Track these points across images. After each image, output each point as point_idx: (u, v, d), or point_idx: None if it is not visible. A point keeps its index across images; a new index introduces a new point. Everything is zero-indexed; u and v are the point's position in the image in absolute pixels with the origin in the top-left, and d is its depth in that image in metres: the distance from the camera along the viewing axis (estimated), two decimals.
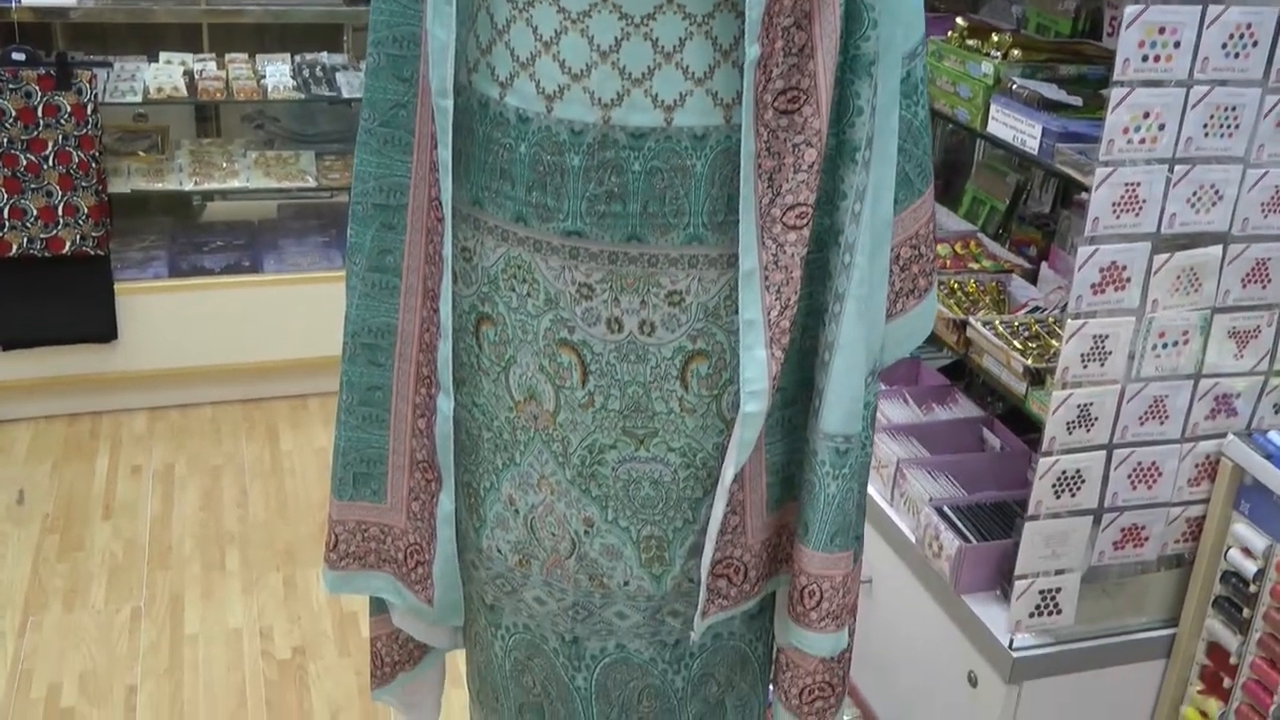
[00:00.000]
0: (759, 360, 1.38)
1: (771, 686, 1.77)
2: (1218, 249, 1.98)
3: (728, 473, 1.43)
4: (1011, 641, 2.17)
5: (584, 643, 1.59)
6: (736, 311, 1.40)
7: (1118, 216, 1.91)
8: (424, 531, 1.61)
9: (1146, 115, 1.85)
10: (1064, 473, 2.05)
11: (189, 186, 4.21)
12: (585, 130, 1.35)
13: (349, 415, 1.61)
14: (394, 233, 1.51)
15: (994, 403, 2.79)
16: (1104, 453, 2.07)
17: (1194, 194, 1.93)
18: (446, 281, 1.46)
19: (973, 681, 2.27)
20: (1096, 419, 2.04)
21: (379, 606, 1.79)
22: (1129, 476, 2.10)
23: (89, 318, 4.00)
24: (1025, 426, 2.61)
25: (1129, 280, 1.96)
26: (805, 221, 1.35)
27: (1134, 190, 1.90)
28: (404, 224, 1.50)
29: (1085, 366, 1.99)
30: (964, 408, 2.75)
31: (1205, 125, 1.89)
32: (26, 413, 4.18)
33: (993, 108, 2.30)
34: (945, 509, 2.36)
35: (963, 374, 2.89)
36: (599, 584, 1.54)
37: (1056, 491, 2.06)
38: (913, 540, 2.42)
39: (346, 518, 1.66)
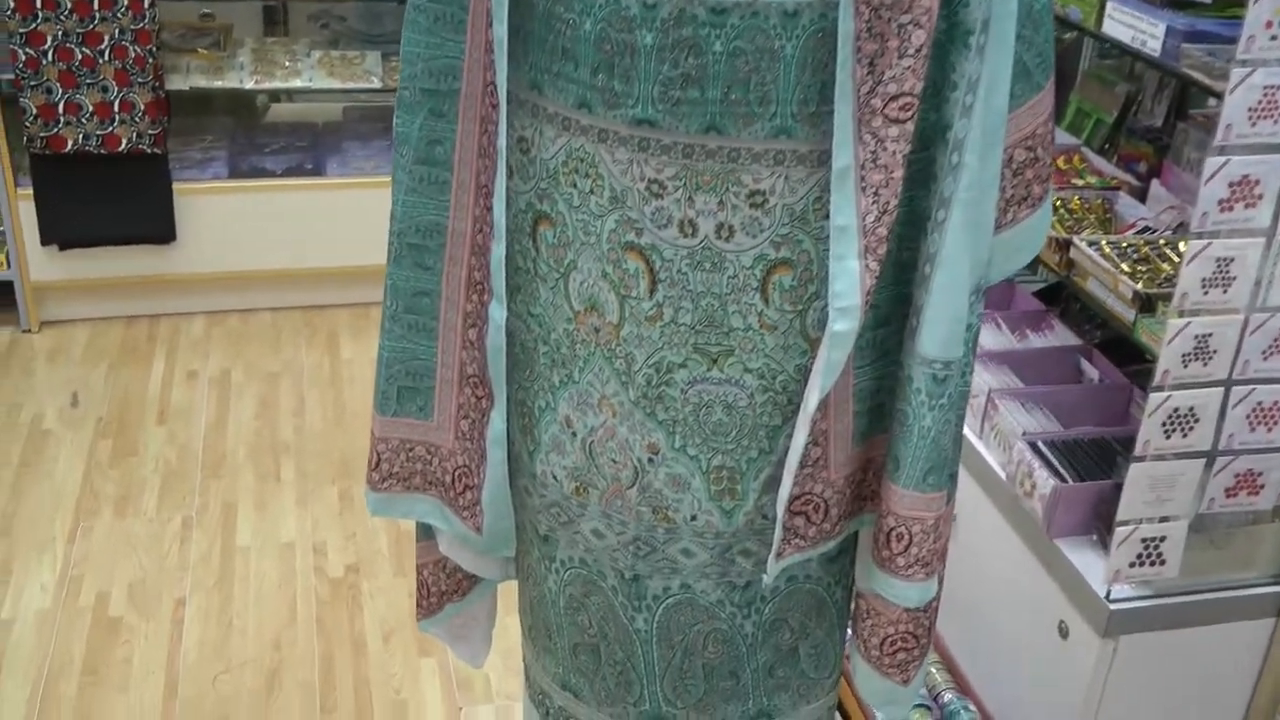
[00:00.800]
0: (851, 272, 1.21)
1: (850, 634, 1.62)
2: None
3: (811, 399, 1.27)
4: (1109, 592, 2.00)
5: (645, 581, 1.44)
6: (827, 216, 1.23)
7: (1254, 124, 1.70)
8: (473, 453, 1.47)
9: None
10: (1176, 410, 1.87)
11: (249, 85, 4.08)
12: (659, 4, 1.17)
13: (394, 323, 1.47)
14: (444, 121, 1.35)
15: (1092, 330, 2.59)
16: (1221, 389, 1.88)
17: None
18: (500, 175, 1.30)
19: (1063, 633, 2.11)
20: (1215, 352, 1.84)
21: (426, 532, 1.66)
22: (1247, 417, 1.91)
23: (146, 218, 3.90)
24: (1126, 356, 2.42)
25: (1261, 197, 1.76)
26: (910, 114, 1.17)
27: (1274, 95, 1.69)
28: (455, 112, 1.34)
29: (1206, 293, 1.80)
30: (1060, 335, 2.56)
31: None
32: (83, 314, 4.11)
33: (1109, 5, 2.08)
34: (1039, 444, 2.19)
35: (1059, 299, 2.70)
36: (663, 517, 1.39)
37: (1166, 431, 1.88)
38: (1003, 477, 2.25)
39: (390, 435, 1.52)
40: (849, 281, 1.21)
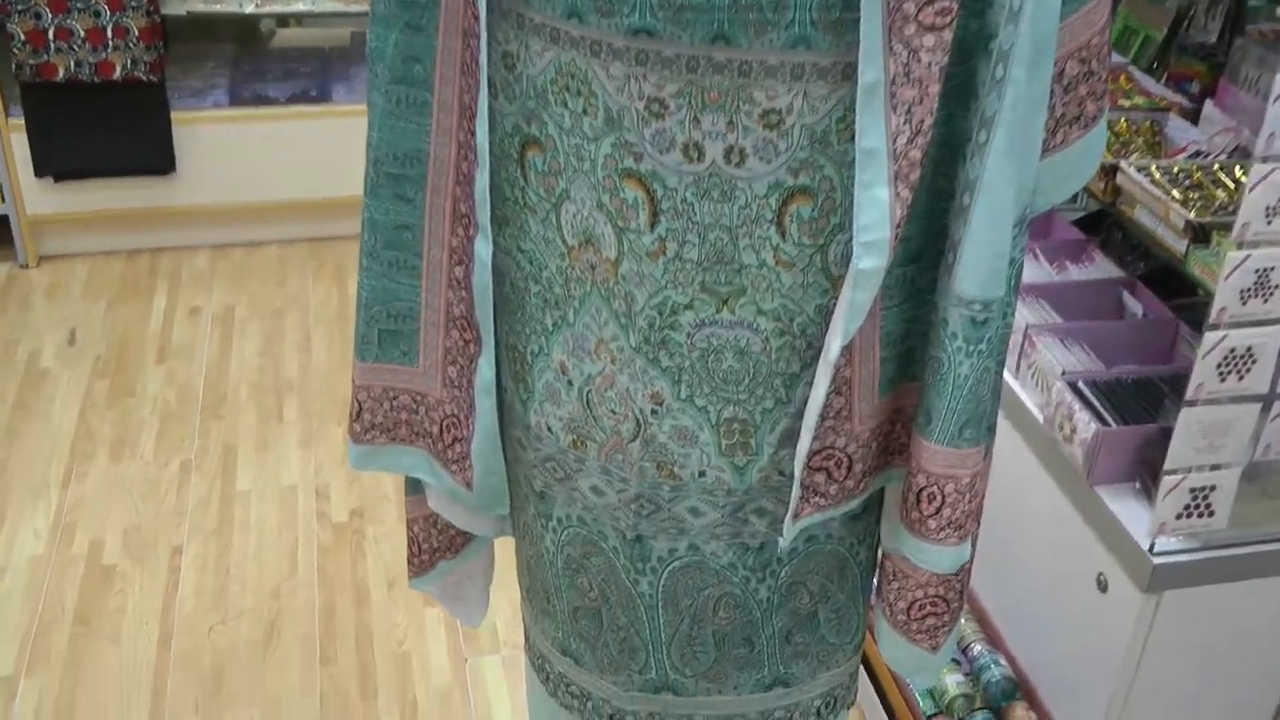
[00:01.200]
0: (879, 202, 1.06)
1: (874, 596, 1.49)
2: None
3: (833, 344, 1.13)
4: (1153, 545, 1.86)
5: (649, 542, 1.31)
6: (851, 138, 1.08)
7: None
8: (462, 402, 1.34)
9: None
10: (1232, 350, 1.71)
11: (249, 9, 3.92)
12: None
13: (373, 261, 1.34)
14: (422, 36, 1.20)
15: (1135, 262, 2.43)
16: None
17: None
18: (482, 94, 1.16)
19: (1102, 586, 1.97)
20: (1277, 287, 1.69)
21: (415, 486, 1.54)
22: None
23: (144, 148, 3.76)
24: (1172, 289, 2.26)
25: None
26: (948, 20, 1.02)
27: None
28: (434, 24, 1.20)
29: (1269, 222, 1.64)
30: (1101, 267, 2.40)
31: None
32: (83, 248, 3.98)
33: None
34: (1080, 385, 2.04)
35: (1100, 228, 2.53)
36: (668, 474, 1.26)
37: (1221, 373, 1.73)
38: (1040, 420, 2.10)
39: (372, 382, 1.39)
40: (877, 212, 1.07)
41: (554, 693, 1.54)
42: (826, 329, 1.17)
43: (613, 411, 1.26)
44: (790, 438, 1.24)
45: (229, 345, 3.56)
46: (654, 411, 1.23)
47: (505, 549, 1.60)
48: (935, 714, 2.21)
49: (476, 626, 1.68)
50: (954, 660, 2.24)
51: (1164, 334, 2.22)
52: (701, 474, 1.26)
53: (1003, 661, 2.21)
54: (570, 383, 1.27)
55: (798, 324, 1.18)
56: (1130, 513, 1.92)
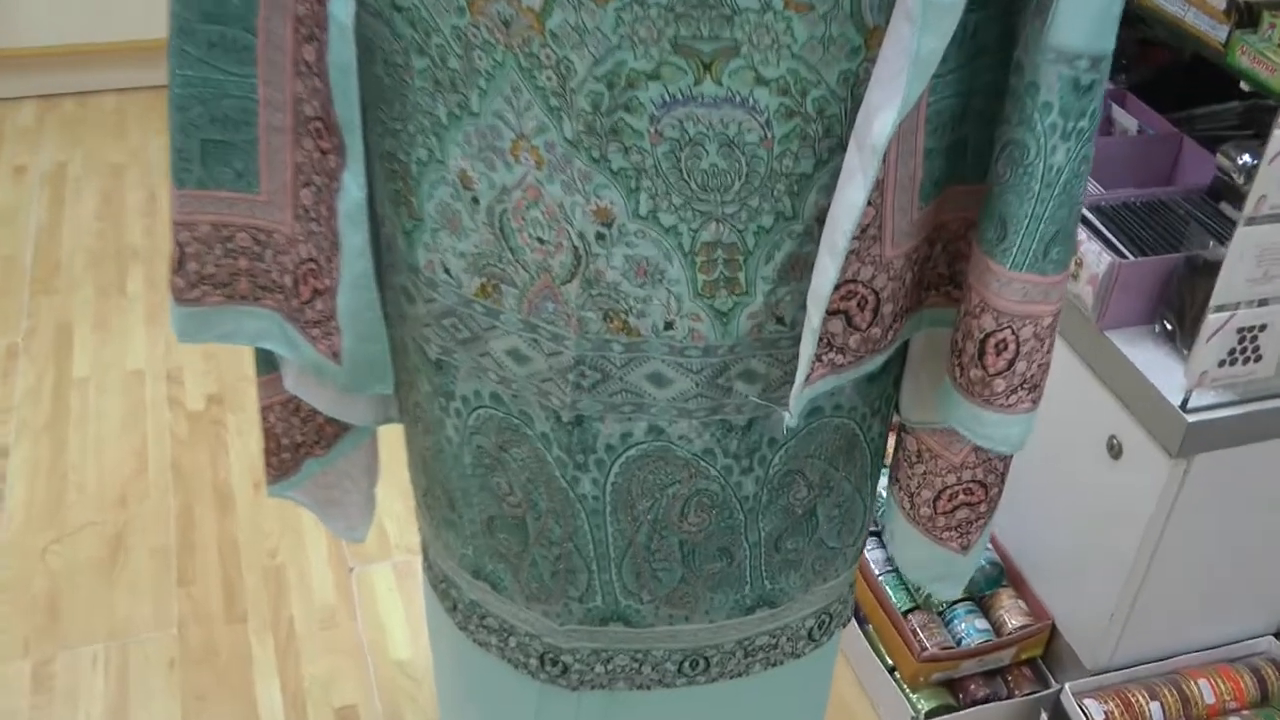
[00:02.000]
0: None
1: (885, 485, 1.14)
2: None
3: (875, 126, 0.75)
4: (1186, 400, 1.53)
5: (593, 425, 0.94)
6: None
7: None
8: (323, 240, 0.95)
9: None
10: None
11: None
12: None
13: (186, 40, 0.93)
14: None
15: (1117, 73, 2.08)
16: None
17: None
18: None
19: (1114, 451, 1.65)
20: None
21: (267, 362, 1.16)
22: None
23: None
24: (1164, 103, 1.92)
25: None
26: None
27: None
28: None
29: None
30: None
31: None
32: None
33: None
34: (1086, 212, 1.69)
35: None
36: (621, 326, 0.89)
37: None
38: None
39: (196, 217, 0.99)
40: None
41: (464, 625, 1.17)
42: (852, 108, 0.80)
43: (539, 240, 0.87)
44: (794, 268, 0.87)
45: (61, 208, 3.12)
46: (600, 236, 0.85)
47: (394, 436, 1.21)
48: (911, 609, 1.89)
49: (360, 540, 1.30)
50: None
51: (1163, 151, 1.90)
52: (668, 326, 0.88)
53: (988, 546, 1.89)
54: (476, 200, 0.88)
55: (813, 101, 0.80)
56: (1151, 362, 1.60)
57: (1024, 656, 1.88)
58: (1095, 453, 1.68)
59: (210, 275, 1.02)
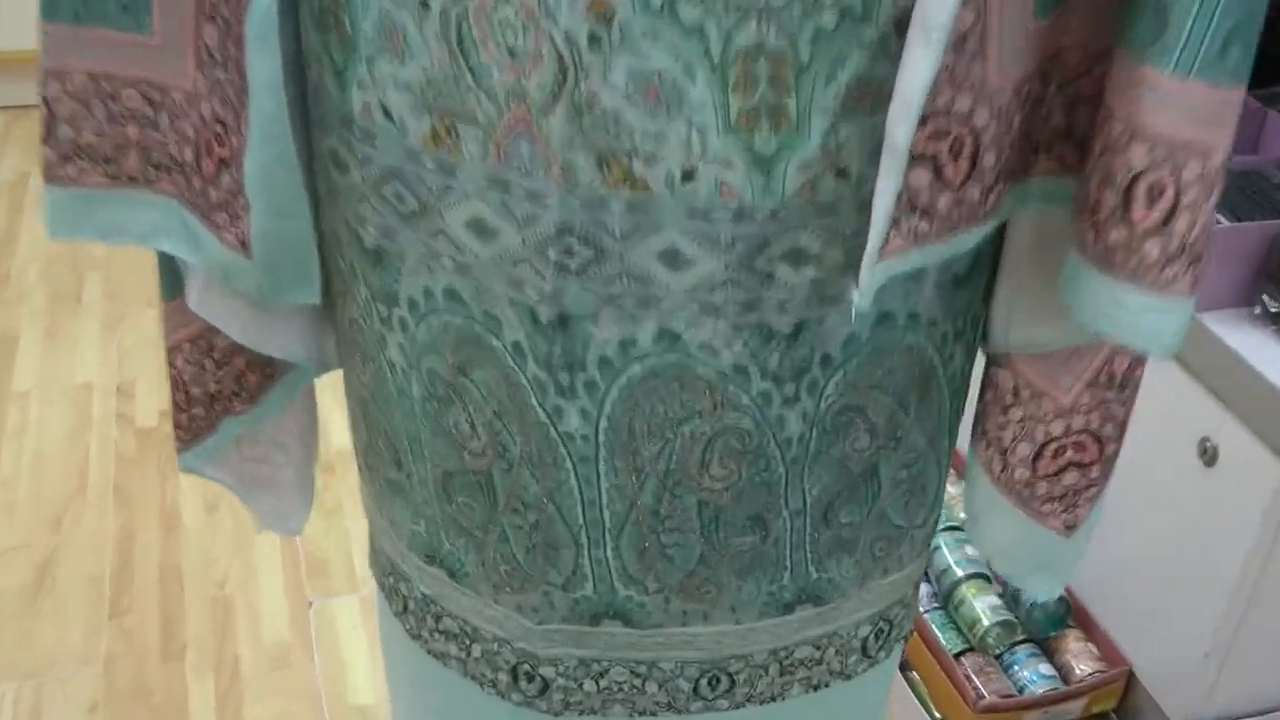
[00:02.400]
0: None
1: (970, 443, 0.89)
2: None
3: None
4: None
5: (583, 327, 0.69)
6: None
7: None
8: (232, 86, 0.71)
9: None
10: None
11: None
12: None
13: None
14: None
15: None
16: None
17: None
18: None
19: (1208, 456, 1.40)
20: None
21: (171, 283, 0.89)
22: None
23: None
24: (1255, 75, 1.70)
25: None
26: None
27: None
28: None
29: None
30: None
31: None
32: None
33: None
34: None
35: None
36: (621, 175, 0.64)
37: None
38: None
39: (70, 65, 0.76)
40: None
41: (416, 632, 0.91)
42: None
43: (510, 52, 0.62)
44: (863, 96, 0.62)
45: (19, 218, 2.97)
46: (594, 40, 0.60)
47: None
48: (964, 649, 1.61)
49: (295, 533, 1.04)
50: (983, 577, 1.65)
51: (1248, 125, 1.67)
52: (687, 176, 0.63)
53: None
54: (425, 6, 0.63)
55: None
56: (1253, 347, 1.35)
57: (1095, 710, 1.60)
58: (1183, 459, 1.43)
59: (90, 146, 0.77)
